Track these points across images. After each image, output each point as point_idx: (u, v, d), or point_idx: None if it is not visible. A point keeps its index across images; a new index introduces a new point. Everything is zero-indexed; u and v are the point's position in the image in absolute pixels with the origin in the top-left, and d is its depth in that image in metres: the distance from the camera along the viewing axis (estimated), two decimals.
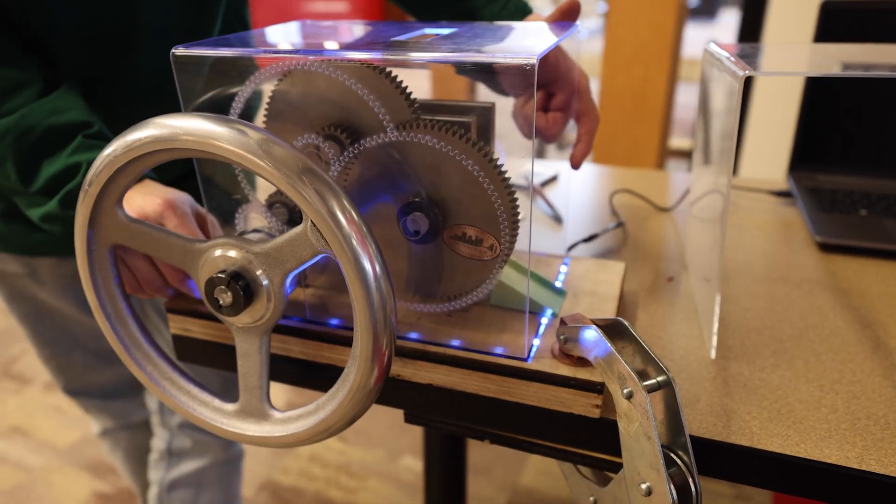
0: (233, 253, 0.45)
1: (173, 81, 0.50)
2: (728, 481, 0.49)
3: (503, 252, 0.48)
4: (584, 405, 0.47)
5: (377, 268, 0.40)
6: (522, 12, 0.73)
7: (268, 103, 0.51)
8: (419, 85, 0.49)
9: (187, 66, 0.49)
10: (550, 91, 0.63)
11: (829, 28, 0.90)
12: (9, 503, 1.48)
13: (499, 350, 0.49)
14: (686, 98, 3.56)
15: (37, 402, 1.83)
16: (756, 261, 0.75)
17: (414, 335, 0.52)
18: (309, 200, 0.38)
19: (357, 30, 0.62)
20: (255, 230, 0.54)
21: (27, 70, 0.57)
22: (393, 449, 1.60)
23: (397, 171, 0.48)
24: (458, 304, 0.52)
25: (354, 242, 0.39)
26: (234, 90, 0.51)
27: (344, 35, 0.59)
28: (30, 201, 0.57)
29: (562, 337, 0.47)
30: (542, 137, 0.64)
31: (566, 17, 0.61)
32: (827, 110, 0.96)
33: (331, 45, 0.52)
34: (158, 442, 0.95)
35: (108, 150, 0.43)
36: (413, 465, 1.55)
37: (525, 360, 0.48)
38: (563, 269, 0.62)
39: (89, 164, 0.54)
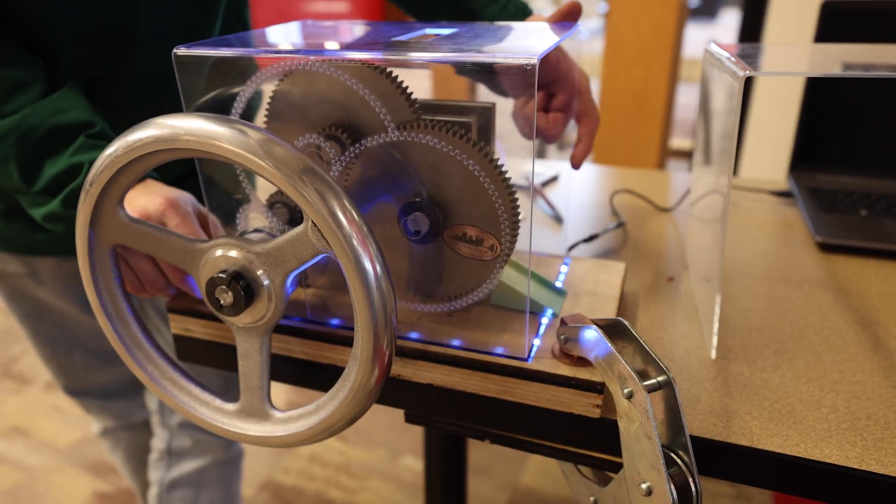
0: (234, 253, 0.45)
1: (173, 81, 0.50)
2: (728, 481, 0.49)
3: (504, 252, 0.48)
4: (584, 405, 0.47)
5: (378, 268, 0.40)
6: (523, 13, 0.73)
7: (269, 103, 0.51)
8: (420, 85, 0.49)
9: (189, 66, 0.49)
10: (551, 91, 0.63)
11: (830, 28, 0.90)
12: (9, 503, 1.48)
13: (499, 350, 0.49)
14: (686, 98, 3.55)
15: (37, 402, 1.83)
16: (756, 261, 0.75)
17: (414, 335, 0.52)
18: (310, 200, 0.38)
19: (357, 30, 0.62)
20: (256, 230, 0.54)
21: (29, 70, 0.57)
22: (393, 449, 1.60)
23: (398, 171, 0.49)
24: (459, 304, 0.52)
25: (355, 242, 0.39)
26: (236, 90, 0.51)
27: (344, 35, 0.59)
28: (32, 201, 0.57)
29: (562, 337, 0.47)
30: (543, 138, 0.64)
31: (567, 19, 0.61)
32: (827, 110, 0.96)
33: (331, 45, 0.52)
34: (158, 442, 0.95)
35: (110, 150, 0.43)
36: (413, 464, 1.55)
37: (525, 360, 0.48)
38: (564, 269, 0.62)
39: (91, 163, 0.54)
